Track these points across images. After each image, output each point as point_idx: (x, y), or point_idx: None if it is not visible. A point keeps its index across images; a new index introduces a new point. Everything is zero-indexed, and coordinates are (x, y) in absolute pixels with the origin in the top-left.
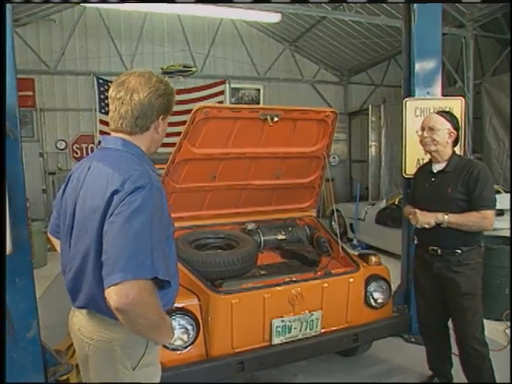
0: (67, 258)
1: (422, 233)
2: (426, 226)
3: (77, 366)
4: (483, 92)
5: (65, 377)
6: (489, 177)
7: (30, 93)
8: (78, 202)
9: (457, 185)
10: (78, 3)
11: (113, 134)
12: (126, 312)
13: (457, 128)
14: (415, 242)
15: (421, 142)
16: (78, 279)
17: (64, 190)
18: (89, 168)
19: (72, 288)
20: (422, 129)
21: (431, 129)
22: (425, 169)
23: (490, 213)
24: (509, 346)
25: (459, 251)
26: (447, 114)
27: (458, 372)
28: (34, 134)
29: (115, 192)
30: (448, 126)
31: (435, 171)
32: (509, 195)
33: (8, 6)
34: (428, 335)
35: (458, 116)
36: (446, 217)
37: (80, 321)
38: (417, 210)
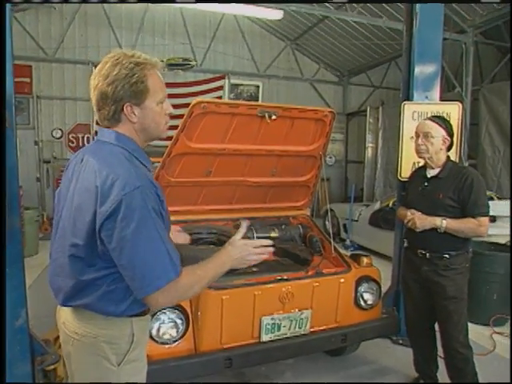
0: (52, 251)
1: (411, 236)
2: (417, 230)
3: None
4: (481, 99)
5: (52, 367)
6: (482, 184)
7: (27, 79)
8: (68, 195)
9: (448, 191)
10: (79, 2)
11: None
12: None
13: (451, 134)
14: (405, 244)
15: (416, 148)
16: (62, 275)
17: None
18: (81, 161)
19: (54, 284)
20: (417, 135)
21: (426, 136)
22: (419, 173)
23: (485, 219)
24: (495, 351)
25: (447, 256)
26: (441, 121)
27: (443, 374)
28: (29, 122)
29: (104, 195)
30: (442, 132)
31: (429, 176)
32: (502, 202)
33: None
34: (415, 337)
35: (455, 121)
36: (444, 222)
37: (65, 315)
38: (415, 214)
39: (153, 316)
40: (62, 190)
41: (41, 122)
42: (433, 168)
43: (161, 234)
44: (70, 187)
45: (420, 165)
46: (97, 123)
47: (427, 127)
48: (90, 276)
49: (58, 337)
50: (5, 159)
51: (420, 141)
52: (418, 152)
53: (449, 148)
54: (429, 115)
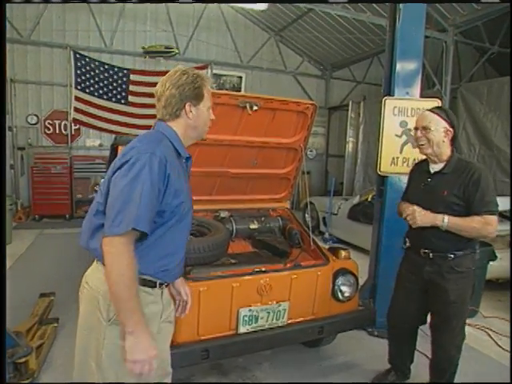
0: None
1: (414, 234)
2: (415, 226)
3: (37, 348)
4: (459, 97)
5: (23, 359)
6: (490, 181)
7: None
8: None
9: (453, 188)
10: (79, 2)
11: None
12: (106, 264)
13: (453, 125)
14: (407, 244)
15: (416, 142)
16: (87, 220)
17: None
18: None
19: (82, 229)
20: (416, 129)
21: (425, 128)
22: (422, 167)
23: (493, 218)
24: (465, 342)
25: (452, 256)
26: (442, 111)
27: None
28: None
29: (124, 154)
30: (443, 124)
31: (432, 171)
32: None
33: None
34: (396, 335)
35: None
36: (445, 220)
37: (88, 269)
38: (416, 208)
39: None
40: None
41: (15, 107)
42: (436, 163)
43: (144, 193)
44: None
45: (399, 159)
46: (75, 109)
47: (426, 119)
48: (100, 221)
49: (30, 328)
50: (5, 167)
51: (419, 133)
52: (419, 147)
53: (453, 141)
54: (409, 111)
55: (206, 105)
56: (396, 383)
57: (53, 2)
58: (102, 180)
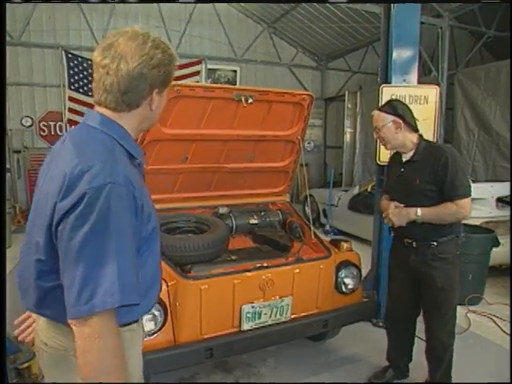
0: (22, 247)
1: None
2: (396, 226)
3: None
4: (456, 83)
5: (26, 365)
6: (458, 162)
7: None
8: (43, 182)
9: (424, 175)
10: (79, 2)
11: (96, 107)
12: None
13: (401, 115)
14: (392, 234)
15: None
16: (27, 277)
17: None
18: (63, 142)
19: (21, 286)
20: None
21: (376, 129)
22: (396, 158)
23: (465, 201)
24: (470, 329)
25: (435, 243)
26: (387, 106)
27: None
28: None
29: (68, 187)
30: (389, 118)
31: (404, 160)
32: (477, 185)
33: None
34: (393, 329)
35: (432, 104)
36: (419, 213)
37: (40, 322)
38: (390, 209)
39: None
40: (38, 179)
41: (9, 110)
42: (405, 152)
43: (118, 247)
44: (45, 173)
45: None
46: (69, 110)
47: (375, 120)
48: (50, 283)
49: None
50: (5, 166)
51: (375, 135)
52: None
53: (412, 128)
54: (407, 98)
55: (166, 90)
56: (394, 383)
57: (53, 2)
58: (30, 220)
